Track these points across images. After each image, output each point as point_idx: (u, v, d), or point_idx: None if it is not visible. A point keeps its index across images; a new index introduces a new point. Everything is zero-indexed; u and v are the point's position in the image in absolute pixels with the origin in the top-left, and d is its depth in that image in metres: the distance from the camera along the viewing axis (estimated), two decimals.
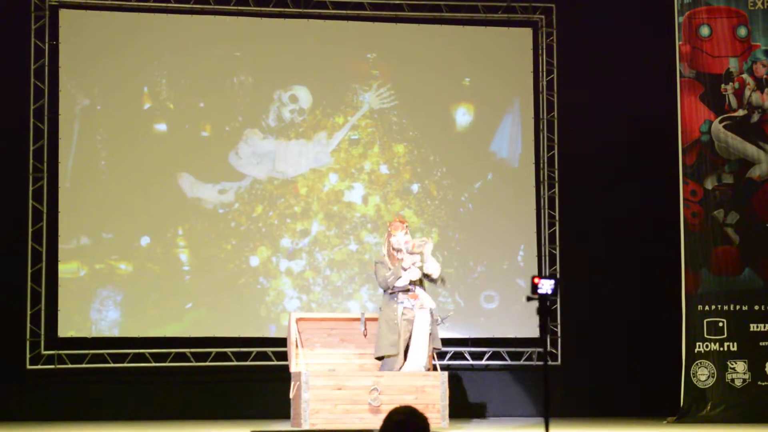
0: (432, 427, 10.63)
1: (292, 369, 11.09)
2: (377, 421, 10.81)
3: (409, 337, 11.44)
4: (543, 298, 6.72)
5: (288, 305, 14.27)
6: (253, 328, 14.20)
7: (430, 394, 10.95)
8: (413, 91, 14.78)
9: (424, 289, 11.67)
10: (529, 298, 6.82)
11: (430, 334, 11.52)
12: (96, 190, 14.08)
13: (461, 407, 14.12)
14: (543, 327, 5.63)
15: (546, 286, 6.72)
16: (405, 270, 11.46)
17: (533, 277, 6.72)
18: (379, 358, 11.41)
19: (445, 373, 11.13)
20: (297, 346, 11.03)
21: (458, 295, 14.58)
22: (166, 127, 14.35)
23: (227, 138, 14.40)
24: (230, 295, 14.24)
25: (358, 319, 11.25)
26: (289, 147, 14.56)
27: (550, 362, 14.54)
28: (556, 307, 14.48)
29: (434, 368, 11.31)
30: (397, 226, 11.73)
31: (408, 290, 11.49)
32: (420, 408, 10.93)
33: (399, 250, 11.62)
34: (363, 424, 10.73)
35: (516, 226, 14.77)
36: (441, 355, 14.30)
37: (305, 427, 10.31)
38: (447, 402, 10.98)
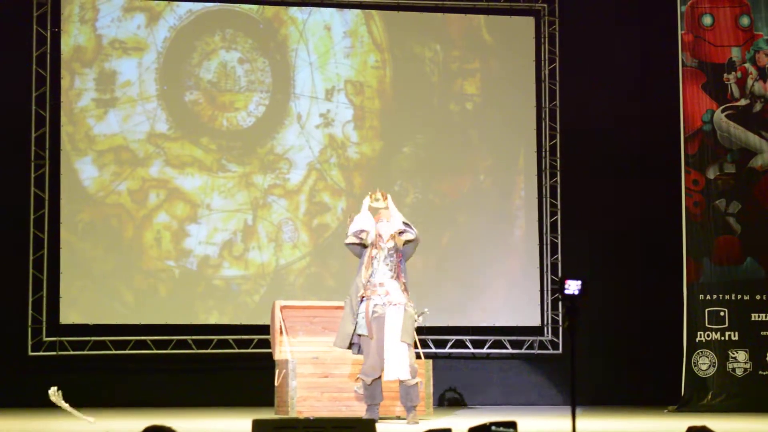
0: (417, 414, 10.68)
1: (276, 357, 11.04)
2: (364, 410, 10.80)
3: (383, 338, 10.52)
4: (571, 298, 6.59)
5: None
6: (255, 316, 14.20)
7: None
8: (414, 79, 14.72)
9: (401, 284, 10.68)
10: (556, 299, 6.71)
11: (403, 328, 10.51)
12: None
13: (460, 395, 14.16)
14: (571, 328, 5.60)
15: (573, 287, 6.59)
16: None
17: (563, 279, 6.60)
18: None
19: (430, 361, 11.10)
20: (281, 333, 10.98)
21: (460, 283, 14.54)
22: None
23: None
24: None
25: (340, 308, 10.90)
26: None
27: (551, 351, 14.55)
28: (558, 297, 14.46)
29: (417, 357, 11.18)
30: (379, 197, 10.71)
31: (380, 284, 10.56)
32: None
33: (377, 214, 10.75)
34: (350, 411, 10.71)
35: (518, 214, 14.73)
36: (442, 344, 14.31)
37: (292, 414, 10.32)
38: (431, 390, 10.98)
